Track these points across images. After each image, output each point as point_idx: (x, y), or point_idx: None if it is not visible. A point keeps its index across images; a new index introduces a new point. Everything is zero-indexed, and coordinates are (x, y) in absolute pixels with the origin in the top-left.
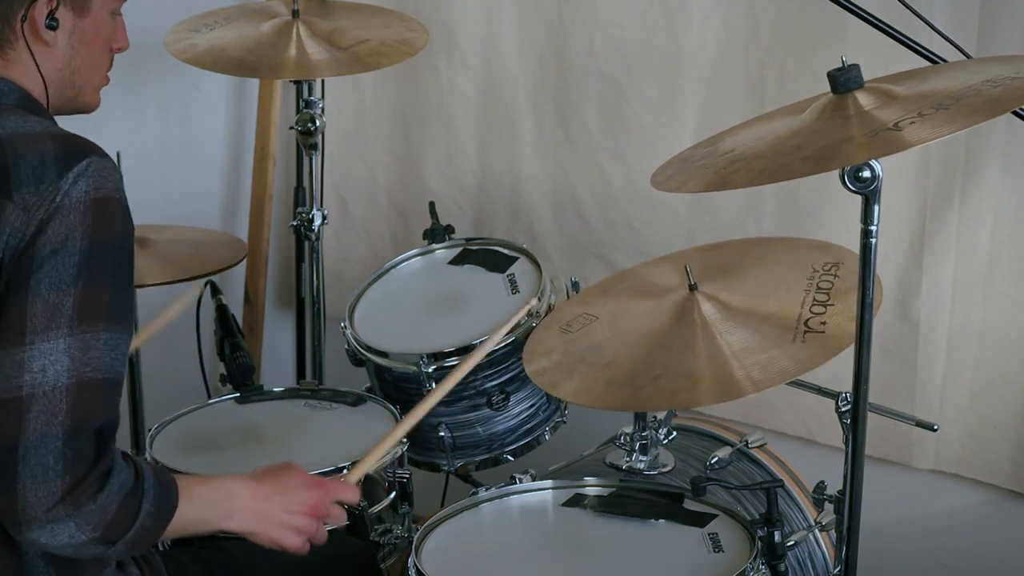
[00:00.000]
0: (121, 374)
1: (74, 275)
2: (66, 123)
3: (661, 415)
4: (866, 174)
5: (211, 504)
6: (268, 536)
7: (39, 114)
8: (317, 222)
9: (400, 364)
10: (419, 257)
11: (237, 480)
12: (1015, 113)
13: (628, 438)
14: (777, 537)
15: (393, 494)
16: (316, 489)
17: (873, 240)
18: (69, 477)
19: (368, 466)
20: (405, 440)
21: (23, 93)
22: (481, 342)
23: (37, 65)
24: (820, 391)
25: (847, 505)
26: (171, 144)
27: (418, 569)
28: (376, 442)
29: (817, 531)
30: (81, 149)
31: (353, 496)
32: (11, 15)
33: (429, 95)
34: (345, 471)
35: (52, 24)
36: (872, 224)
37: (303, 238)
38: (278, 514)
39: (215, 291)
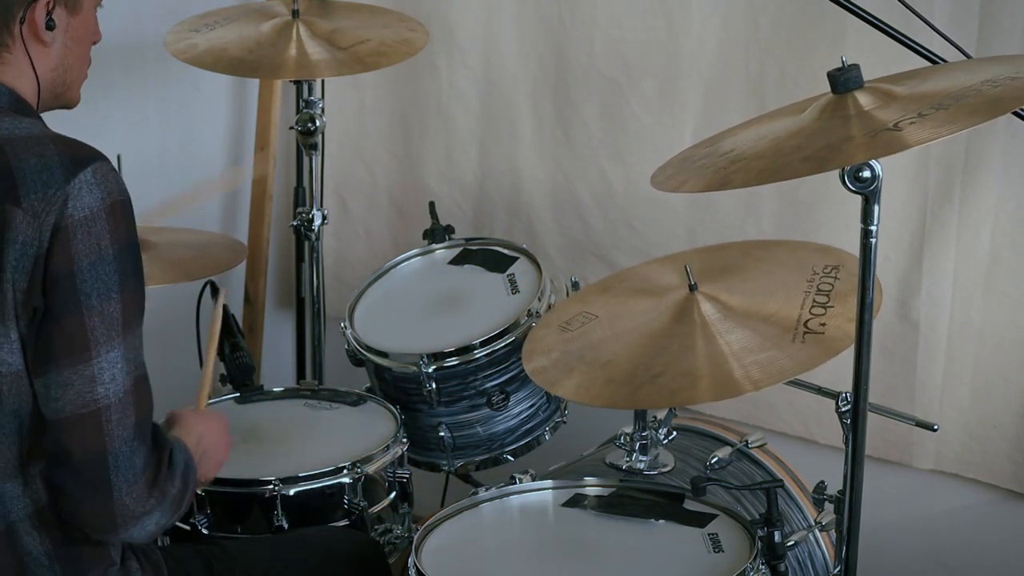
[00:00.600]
0: None
1: (118, 282)
2: (69, 126)
3: (661, 415)
4: (866, 174)
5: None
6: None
7: (29, 115)
8: (317, 222)
9: (400, 364)
10: (419, 257)
11: (184, 431)
12: (1015, 113)
13: (628, 438)
14: (777, 537)
15: (393, 494)
16: (222, 432)
17: (873, 240)
18: (151, 469)
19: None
20: (405, 440)
21: (13, 95)
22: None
23: (33, 66)
24: (820, 391)
25: (847, 505)
26: (171, 144)
27: (418, 569)
28: None
29: (817, 531)
30: (84, 155)
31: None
32: (9, 18)
33: (429, 95)
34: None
35: (50, 24)
36: (872, 224)
37: (303, 238)
38: (210, 466)
39: (215, 291)
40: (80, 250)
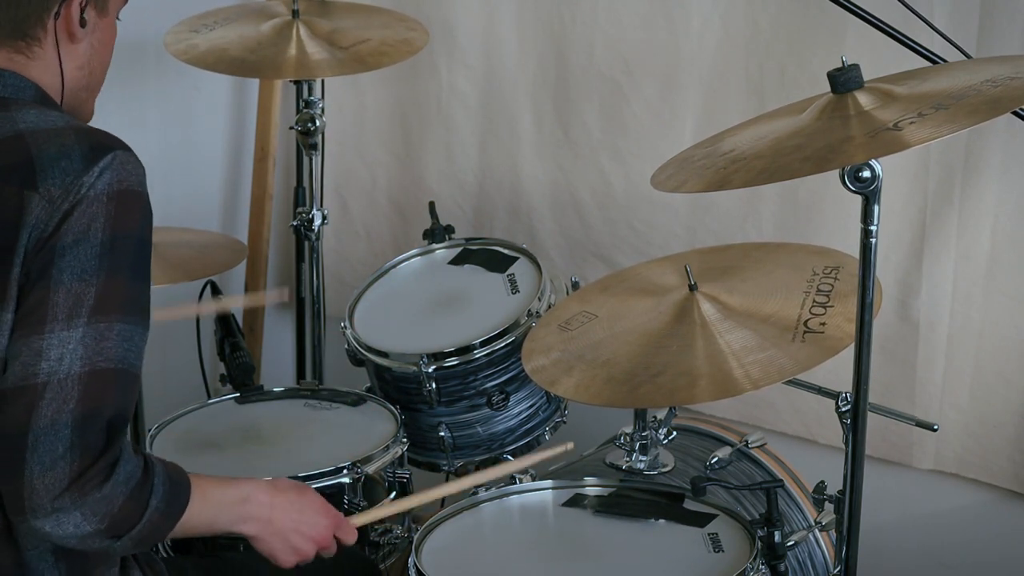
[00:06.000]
0: (135, 366)
1: (96, 266)
2: None
3: (661, 415)
4: (866, 174)
5: (225, 506)
6: (269, 547)
7: (56, 109)
8: (317, 222)
9: (400, 364)
10: (419, 257)
11: (256, 486)
12: (1015, 113)
13: (628, 438)
14: (777, 537)
15: (393, 494)
16: (326, 519)
17: (873, 240)
18: (77, 465)
19: (376, 516)
20: (405, 440)
21: (39, 90)
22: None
23: (61, 63)
24: (820, 391)
25: (847, 505)
26: (171, 144)
27: (418, 569)
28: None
29: (817, 531)
30: (106, 144)
31: (352, 538)
32: (44, 12)
33: (429, 95)
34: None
35: (82, 22)
36: (872, 224)
37: (303, 238)
38: (286, 531)
39: (215, 291)
40: (69, 226)
